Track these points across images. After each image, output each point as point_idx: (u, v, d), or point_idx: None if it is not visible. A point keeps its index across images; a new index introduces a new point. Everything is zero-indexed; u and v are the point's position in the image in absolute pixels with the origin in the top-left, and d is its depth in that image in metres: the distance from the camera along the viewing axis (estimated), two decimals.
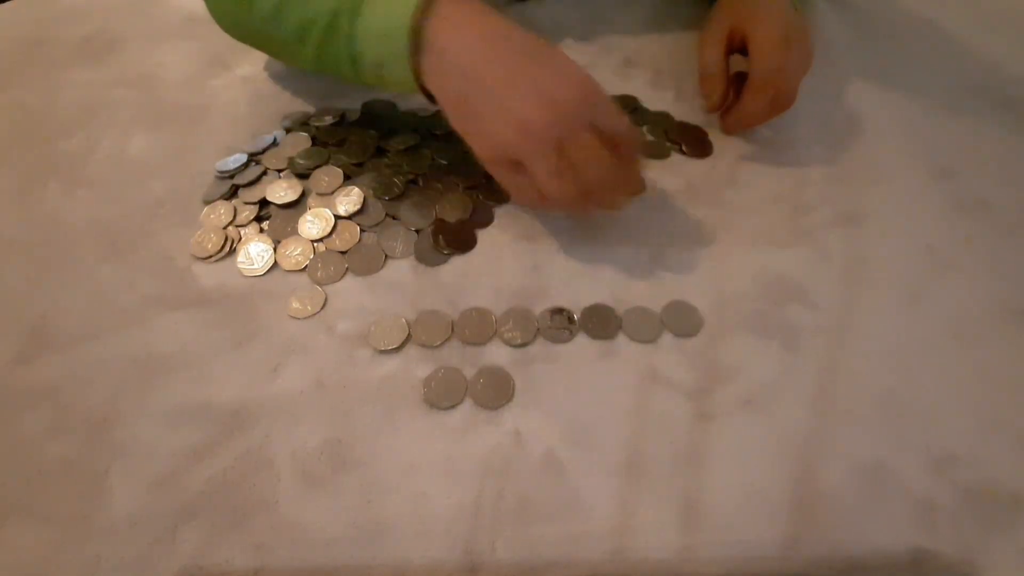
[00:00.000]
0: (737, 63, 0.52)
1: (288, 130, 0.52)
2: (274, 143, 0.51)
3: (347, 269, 0.44)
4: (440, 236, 0.45)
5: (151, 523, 0.33)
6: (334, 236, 0.45)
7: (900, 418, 0.37)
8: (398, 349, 0.40)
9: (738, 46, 0.51)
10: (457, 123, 0.40)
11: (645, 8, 0.66)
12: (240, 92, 0.57)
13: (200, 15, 0.65)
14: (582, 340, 0.40)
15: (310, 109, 0.54)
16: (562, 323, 0.40)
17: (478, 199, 0.47)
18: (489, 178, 0.43)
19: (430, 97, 0.42)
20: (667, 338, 0.40)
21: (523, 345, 0.40)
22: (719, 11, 0.53)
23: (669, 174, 0.50)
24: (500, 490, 0.34)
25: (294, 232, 0.45)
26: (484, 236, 0.46)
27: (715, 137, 0.52)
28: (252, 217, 0.46)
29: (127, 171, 0.50)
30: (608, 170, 0.38)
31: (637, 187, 0.42)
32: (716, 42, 0.51)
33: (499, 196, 0.47)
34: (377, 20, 0.40)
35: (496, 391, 0.38)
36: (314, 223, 0.46)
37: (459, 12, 0.39)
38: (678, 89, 0.57)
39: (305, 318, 0.41)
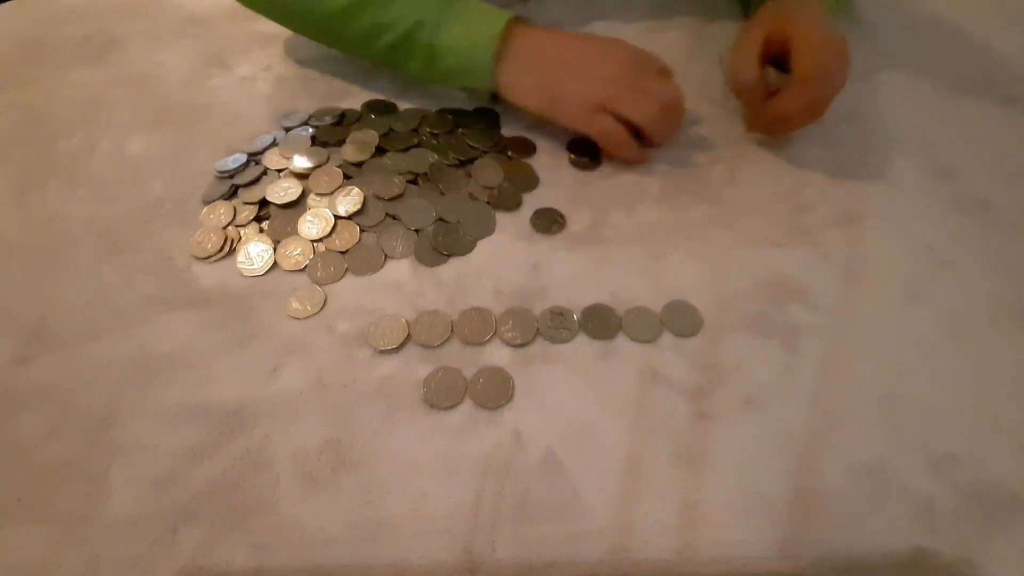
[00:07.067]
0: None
1: (288, 130, 0.53)
2: (274, 143, 0.51)
3: (347, 269, 0.44)
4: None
5: (151, 523, 0.33)
6: (334, 236, 0.45)
7: (900, 418, 0.37)
8: (398, 349, 0.40)
9: (775, 52, 0.48)
10: (540, 104, 0.49)
11: (645, 8, 0.66)
12: (240, 92, 0.57)
13: (200, 15, 0.66)
14: (582, 340, 0.40)
15: (310, 109, 0.54)
16: (562, 323, 0.40)
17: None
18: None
19: (494, 97, 0.51)
20: (667, 338, 0.40)
21: (523, 345, 0.40)
22: (756, 17, 0.50)
23: (669, 173, 0.50)
24: (500, 490, 0.34)
25: (294, 232, 0.45)
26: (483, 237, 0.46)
27: (714, 136, 0.52)
28: (252, 217, 0.46)
29: (127, 171, 0.50)
30: (677, 92, 0.48)
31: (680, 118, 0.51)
32: (751, 47, 0.48)
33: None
34: (462, 37, 0.48)
35: (496, 391, 0.38)
36: (314, 223, 0.46)
37: (530, 29, 0.49)
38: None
39: (305, 318, 0.41)
